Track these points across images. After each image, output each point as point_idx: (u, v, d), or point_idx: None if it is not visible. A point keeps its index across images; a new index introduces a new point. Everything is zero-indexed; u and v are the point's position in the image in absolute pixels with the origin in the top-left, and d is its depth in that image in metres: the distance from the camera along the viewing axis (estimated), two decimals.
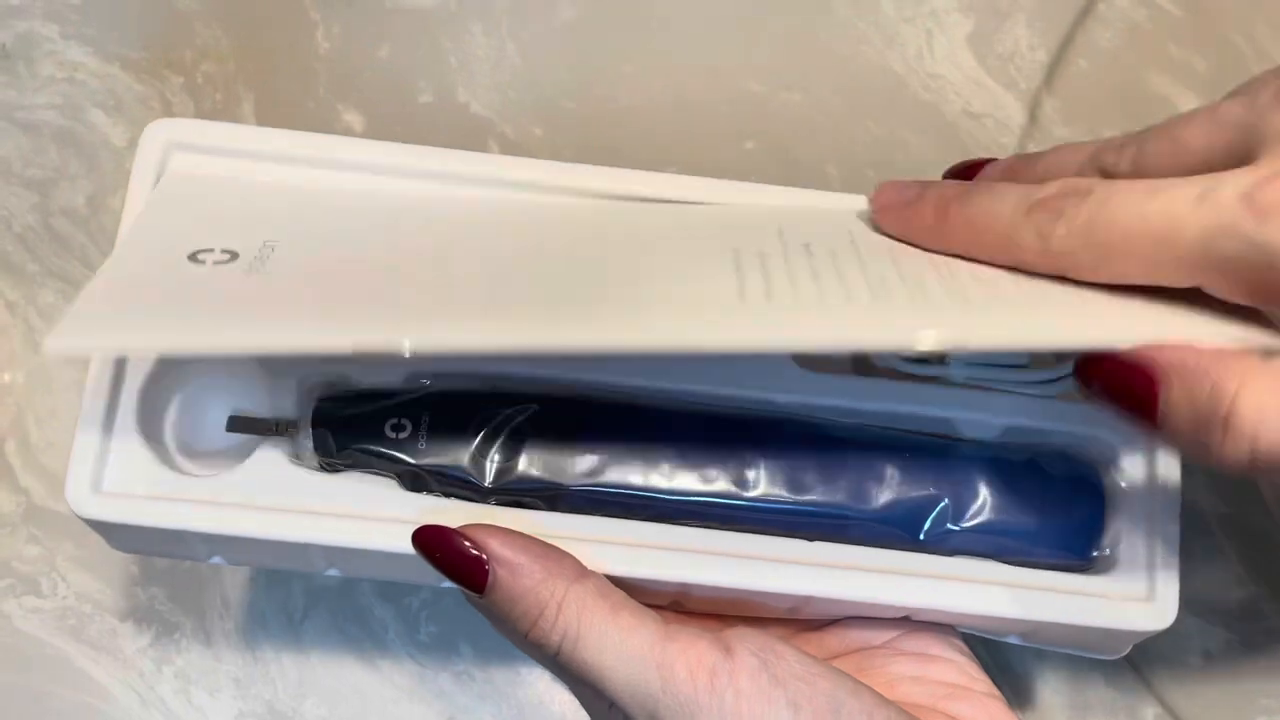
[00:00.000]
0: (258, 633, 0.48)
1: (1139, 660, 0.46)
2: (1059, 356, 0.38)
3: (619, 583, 0.35)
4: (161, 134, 0.39)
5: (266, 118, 0.53)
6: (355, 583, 0.48)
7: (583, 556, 0.35)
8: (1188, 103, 0.52)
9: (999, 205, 0.33)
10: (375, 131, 0.53)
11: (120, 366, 0.37)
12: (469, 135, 0.53)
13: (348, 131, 0.53)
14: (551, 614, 0.33)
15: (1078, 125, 0.51)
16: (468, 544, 0.33)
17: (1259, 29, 0.52)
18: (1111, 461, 0.38)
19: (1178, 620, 0.46)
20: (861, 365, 0.39)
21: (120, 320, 0.33)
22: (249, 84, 0.54)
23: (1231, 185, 0.29)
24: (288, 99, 0.54)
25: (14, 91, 0.54)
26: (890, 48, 0.53)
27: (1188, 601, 0.47)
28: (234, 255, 0.35)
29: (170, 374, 0.38)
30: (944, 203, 0.34)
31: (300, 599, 0.48)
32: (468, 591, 0.34)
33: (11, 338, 0.51)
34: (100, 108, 0.54)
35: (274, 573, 0.48)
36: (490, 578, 0.33)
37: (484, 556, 0.33)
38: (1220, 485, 0.48)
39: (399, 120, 0.53)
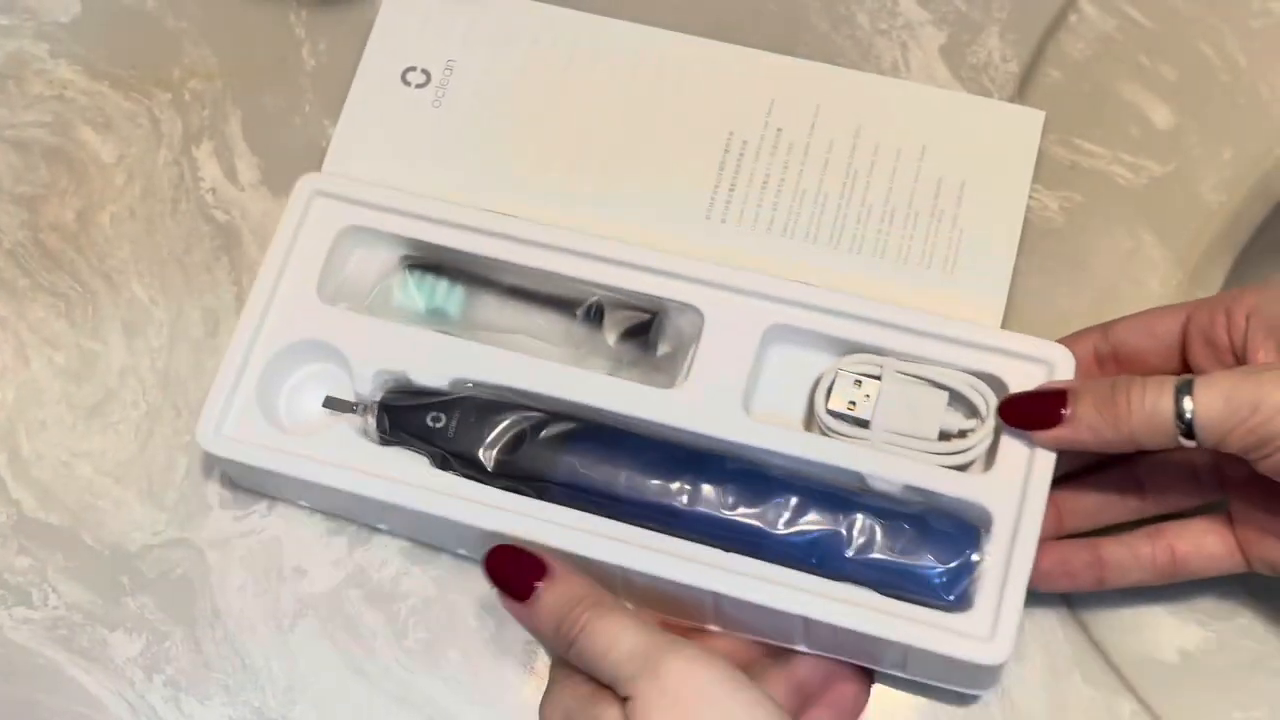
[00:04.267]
0: (247, 640, 0.49)
1: (1116, 658, 0.47)
2: (962, 433, 0.46)
3: (579, 560, 0.44)
4: (310, 184, 0.50)
5: (253, 134, 0.54)
6: (343, 590, 0.49)
7: (554, 538, 0.45)
8: (1157, 111, 0.53)
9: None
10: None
11: (252, 341, 0.48)
12: None
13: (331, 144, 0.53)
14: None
15: (1051, 135, 0.52)
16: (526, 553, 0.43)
17: (1227, 39, 0.53)
18: (986, 526, 0.45)
19: (1155, 618, 0.47)
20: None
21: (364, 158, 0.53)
22: (236, 100, 0.55)
23: None
24: (275, 115, 0.54)
25: (4, 109, 0.55)
26: (865, 60, 0.54)
27: (1165, 599, 0.48)
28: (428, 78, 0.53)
29: (285, 360, 0.49)
30: None
31: (289, 606, 0.49)
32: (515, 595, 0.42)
33: (2, 352, 0.52)
34: (89, 125, 0.54)
35: (262, 581, 0.49)
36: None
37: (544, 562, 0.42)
38: None
39: None
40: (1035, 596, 0.48)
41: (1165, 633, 0.47)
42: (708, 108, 0.53)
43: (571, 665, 0.41)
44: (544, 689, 0.42)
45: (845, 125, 0.52)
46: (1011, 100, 0.53)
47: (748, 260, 0.51)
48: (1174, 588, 0.47)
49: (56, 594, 0.49)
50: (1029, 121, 0.52)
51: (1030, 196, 0.51)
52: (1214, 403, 0.40)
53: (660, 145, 0.52)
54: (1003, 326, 0.50)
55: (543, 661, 0.48)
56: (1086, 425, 0.43)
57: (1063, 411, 0.43)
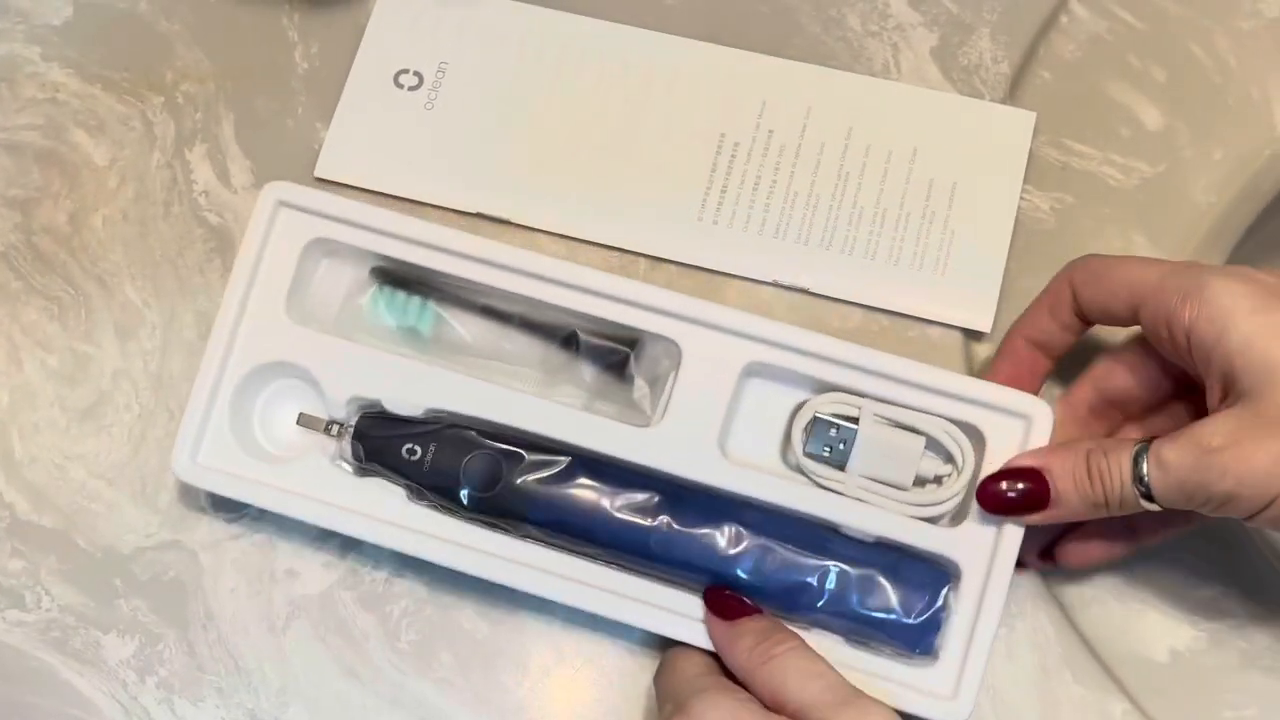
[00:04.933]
0: (240, 643, 0.49)
1: (1107, 658, 0.47)
2: (938, 478, 0.46)
3: (548, 603, 0.46)
4: (273, 194, 0.49)
5: (246, 137, 0.54)
6: (336, 593, 0.49)
7: (527, 582, 0.46)
8: (1148, 112, 0.53)
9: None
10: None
11: (223, 365, 0.48)
12: None
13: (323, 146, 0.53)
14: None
15: (1042, 136, 0.52)
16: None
17: (1218, 40, 0.54)
18: (956, 580, 0.46)
19: (1146, 618, 0.47)
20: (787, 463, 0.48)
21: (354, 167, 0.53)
22: (229, 104, 0.55)
23: None
24: (267, 118, 0.54)
25: None
26: (857, 62, 0.54)
27: (1157, 599, 0.48)
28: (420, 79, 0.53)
29: (256, 383, 0.49)
30: None
31: (282, 609, 0.49)
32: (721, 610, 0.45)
33: None
34: (82, 128, 0.55)
35: (254, 583, 0.49)
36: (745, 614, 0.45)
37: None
38: None
39: None
40: (1028, 595, 0.48)
41: (1156, 632, 0.47)
42: (699, 110, 0.53)
43: (733, 685, 0.43)
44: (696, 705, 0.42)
45: (837, 127, 0.52)
46: (1003, 101, 0.53)
47: (739, 262, 0.51)
48: (1165, 588, 0.47)
49: (50, 596, 0.49)
50: (1020, 122, 0.52)
51: (1021, 197, 0.52)
52: (1170, 488, 0.41)
53: (652, 147, 0.53)
54: (994, 327, 0.50)
55: (537, 663, 0.48)
56: (1069, 509, 0.43)
57: (1040, 495, 0.43)
